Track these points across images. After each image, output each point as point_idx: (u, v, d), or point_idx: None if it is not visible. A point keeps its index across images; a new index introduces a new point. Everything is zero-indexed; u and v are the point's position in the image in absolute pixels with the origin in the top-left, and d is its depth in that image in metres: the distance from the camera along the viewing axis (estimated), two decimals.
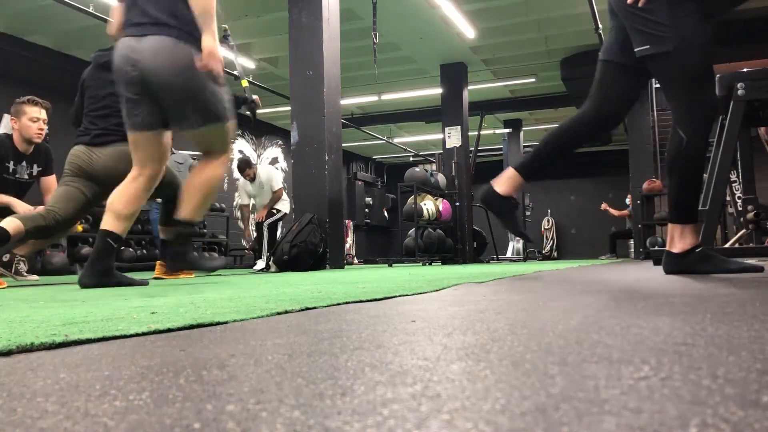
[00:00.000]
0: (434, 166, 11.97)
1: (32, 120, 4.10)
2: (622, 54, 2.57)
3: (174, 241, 3.01)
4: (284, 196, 7.18)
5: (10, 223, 3.12)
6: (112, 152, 3.62)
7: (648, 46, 2.42)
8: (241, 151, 7.08)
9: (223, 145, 2.99)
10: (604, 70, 2.68)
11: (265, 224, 6.97)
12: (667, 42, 2.36)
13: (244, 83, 5.09)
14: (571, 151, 2.72)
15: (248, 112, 4.77)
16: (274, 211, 7.09)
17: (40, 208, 4.09)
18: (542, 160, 2.69)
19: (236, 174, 7.37)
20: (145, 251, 9.17)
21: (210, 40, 2.77)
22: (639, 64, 2.51)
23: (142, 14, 2.83)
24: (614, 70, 2.65)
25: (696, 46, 2.36)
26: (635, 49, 2.47)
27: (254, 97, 4.84)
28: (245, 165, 7.08)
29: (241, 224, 7.73)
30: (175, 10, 2.82)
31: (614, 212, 13.94)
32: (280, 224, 7.19)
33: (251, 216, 7.28)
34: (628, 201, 13.22)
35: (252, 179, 7.11)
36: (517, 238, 13.53)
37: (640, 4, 2.40)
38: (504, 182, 2.71)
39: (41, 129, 4.16)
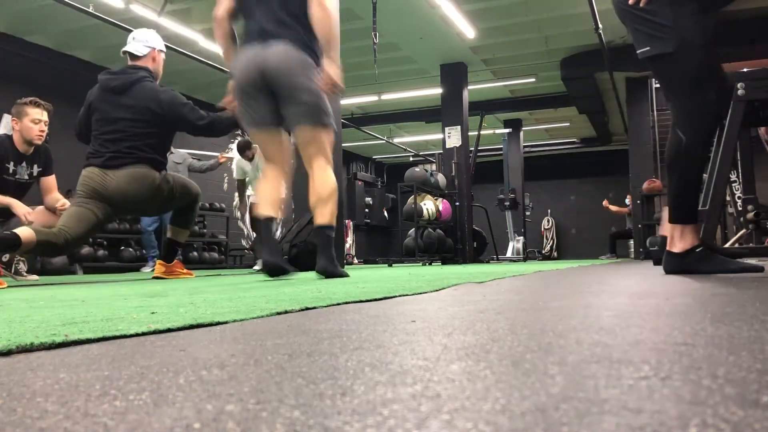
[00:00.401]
0: (434, 166, 11.95)
1: (34, 122, 4.10)
2: None
3: (320, 247, 3.18)
4: None
5: (24, 232, 3.27)
6: (126, 174, 3.76)
7: (649, 48, 2.41)
8: (241, 134, 7.17)
9: (326, 148, 3.27)
10: None
11: None
12: (668, 43, 2.36)
13: None
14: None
15: None
16: None
17: (40, 208, 4.11)
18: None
19: (233, 170, 7.45)
20: (144, 251, 9.17)
21: (333, 68, 3.12)
22: None
23: (267, 23, 3.13)
24: None
25: (697, 46, 2.36)
26: (637, 51, 2.46)
27: None
28: (245, 146, 7.20)
29: (238, 214, 7.78)
30: (296, 21, 3.13)
31: (613, 208, 13.96)
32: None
33: (247, 206, 7.31)
34: (627, 201, 13.23)
35: (250, 159, 7.24)
36: (519, 238, 13.61)
37: (641, 5, 2.39)
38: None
39: (42, 131, 4.16)
